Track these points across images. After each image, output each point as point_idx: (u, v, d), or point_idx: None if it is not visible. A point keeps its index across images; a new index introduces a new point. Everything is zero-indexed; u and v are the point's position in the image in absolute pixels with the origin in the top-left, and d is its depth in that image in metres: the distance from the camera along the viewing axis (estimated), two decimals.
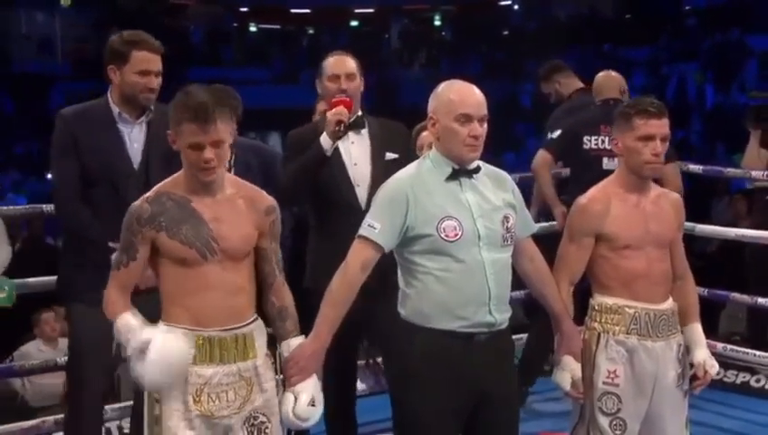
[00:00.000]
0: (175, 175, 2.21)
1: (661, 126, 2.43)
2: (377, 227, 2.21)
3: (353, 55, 2.96)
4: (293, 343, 2.22)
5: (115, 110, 2.70)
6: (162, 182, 2.21)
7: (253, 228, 2.18)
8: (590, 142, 3.89)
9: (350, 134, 2.84)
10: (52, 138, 2.71)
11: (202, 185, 2.14)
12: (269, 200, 2.23)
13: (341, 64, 2.88)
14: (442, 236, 2.20)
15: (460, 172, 2.27)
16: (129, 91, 2.68)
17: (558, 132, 4.04)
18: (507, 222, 2.28)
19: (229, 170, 3.01)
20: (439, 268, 2.21)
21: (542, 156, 3.95)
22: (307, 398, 2.16)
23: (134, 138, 2.71)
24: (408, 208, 2.21)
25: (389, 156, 2.81)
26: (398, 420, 2.33)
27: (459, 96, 2.25)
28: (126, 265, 2.16)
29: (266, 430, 2.16)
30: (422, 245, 2.22)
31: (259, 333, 2.20)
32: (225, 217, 2.14)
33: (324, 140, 2.79)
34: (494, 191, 2.29)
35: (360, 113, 2.88)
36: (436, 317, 2.22)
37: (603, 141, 3.85)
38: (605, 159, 3.84)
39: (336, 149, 2.83)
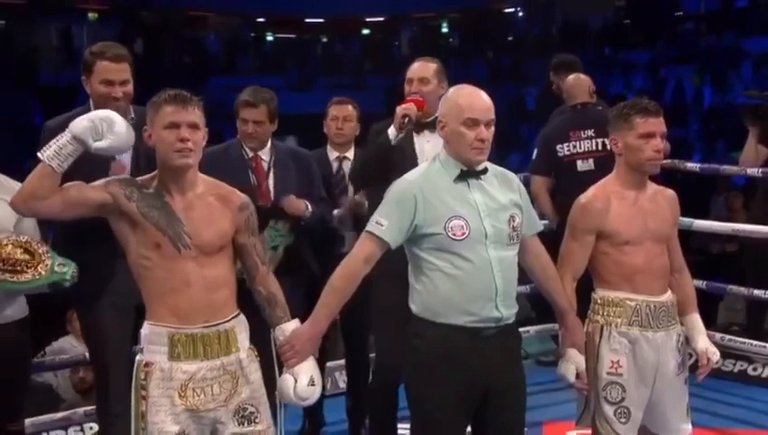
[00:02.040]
0: (147, 175, 2.17)
1: (660, 124, 2.43)
2: (383, 225, 2.22)
3: (434, 61, 3.04)
4: (287, 327, 2.21)
5: None
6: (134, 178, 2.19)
7: (228, 224, 2.16)
8: (563, 150, 3.92)
9: (426, 133, 2.93)
10: (39, 147, 2.72)
11: (175, 180, 2.10)
12: (241, 197, 2.21)
13: (418, 70, 2.99)
14: (449, 234, 2.20)
15: (468, 173, 2.27)
16: (97, 101, 2.67)
17: (535, 152, 4.06)
18: (513, 221, 2.27)
19: (268, 171, 3.08)
20: (447, 266, 2.21)
21: (536, 181, 3.98)
22: (306, 378, 2.16)
23: None
24: (416, 208, 2.22)
25: None
26: (412, 411, 2.34)
27: (467, 101, 2.26)
28: (78, 184, 2.10)
29: (256, 419, 2.15)
30: (430, 243, 2.23)
31: (241, 327, 2.18)
32: (197, 213, 2.11)
33: (391, 130, 2.90)
34: (501, 191, 2.29)
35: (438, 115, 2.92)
36: (444, 313, 2.22)
37: (574, 146, 3.89)
38: (579, 162, 3.87)
39: (411, 145, 2.93)
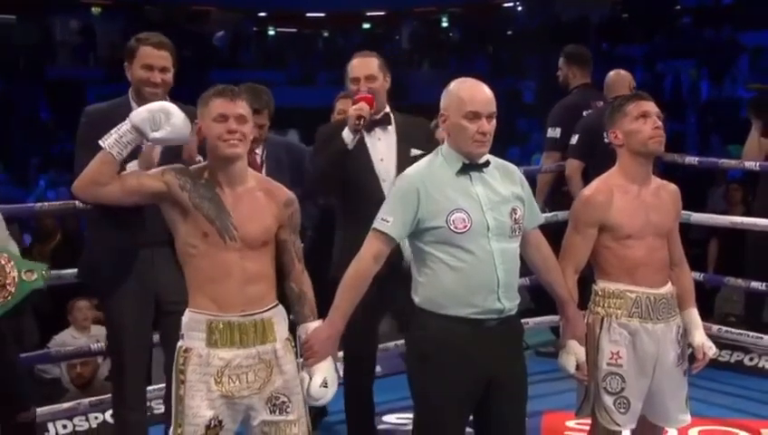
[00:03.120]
0: (199, 165, 2.21)
1: (653, 105, 2.43)
2: (389, 221, 2.21)
3: (374, 55, 2.93)
4: (311, 326, 2.23)
5: (134, 106, 2.68)
6: (184, 167, 2.23)
7: (272, 220, 2.18)
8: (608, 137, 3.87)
9: (377, 130, 2.85)
10: (77, 133, 2.72)
11: (225, 172, 2.14)
12: (288, 193, 2.24)
13: (361, 67, 2.87)
14: (451, 227, 2.19)
15: (470, 166, 2.25)
16: (137, 86, 2.68)
17: (576, 137, 4.05)
18: (515, 214, 2.26)
19: (261, 165, 3.04)
20: (450, 258, 2.20)
21: (572, 164, 4.02)
22: (320, 379, 2.17)
23: None
24: (420, 202, 2.21)
25: (414, 152, 2.78)
26: (414, 402, 2.33)
27: (468, 94, 2.24)
28: (136, 172, 2.20)
29: (287, 409, 2.17)
30: (433, 236, 2.22)
31: (279, 318, 2.20)
32: (245, 207, 2.15)
33: (346, 133, 2.79)
34: (503, 184, 2.28)
35: (387, 110, 2.87)
36: (447, 304, 2.22)
37: None
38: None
39: (363, 145, 2.83)
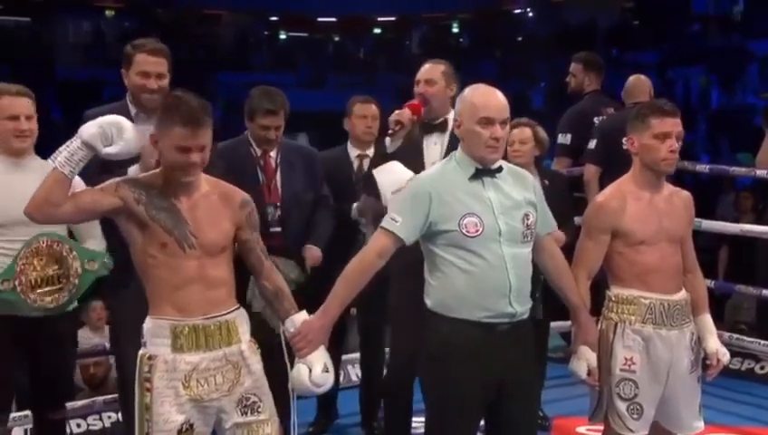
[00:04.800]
0: (150, 173, 2.17)
1: (676, 124, 2.41)
2: (398, 221, 2.22)
3: (443, 63, 2.97)
4: (297, 319, 2.21)
5: (132, 110, 2.73)
6: (137, 176, 2.20)
7: (229, 223, 2.16)
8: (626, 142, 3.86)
9: (434, 135, 2.87)
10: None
11: (180, 184, 2.11)
12: (242, 194, 2.21)
13: (425, 71, 2.93)
14: (463, 231, 2.20)
15: (483, 172, 2.26)
16: (134, 92, 2.71)
17: (594, 142, 4.04)
18: (528, 219, 2.27)
19: (276, 168, 3.06)
20: (461, 262, 2.21)
21: (590, 169, 4.00)
22: (320, 366, 2.16)
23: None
24: (431, 205, 2.21)
25: None
26: (426, 404, 2.33)
27: (481, 100, 2.25)
28: (89, 190, 2.13)
29: (258, 409, 2.15)
30: (445, 240, 2.22)
31: (242, 320, 2.18)
32: (202, 214, 2.13)
33: (388, 140, 2.82)
34: (515, 189, 2.28)
35: (448, 116, 2.87)
36: (458, 308, 2.22)
37: None
38: None
39: (419, 148, 2.86)
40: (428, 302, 2.27)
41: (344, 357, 3.83)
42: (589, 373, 2.39)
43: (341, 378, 3.85)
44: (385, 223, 2.24)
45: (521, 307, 2.25)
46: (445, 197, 2.22)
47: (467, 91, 2.30)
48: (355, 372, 3.95)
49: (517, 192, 2.27)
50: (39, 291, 2.54)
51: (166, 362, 2.09)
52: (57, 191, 2.03)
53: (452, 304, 2.22)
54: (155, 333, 2.11)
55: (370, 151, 3.41)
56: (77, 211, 2.08)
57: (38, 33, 17.22)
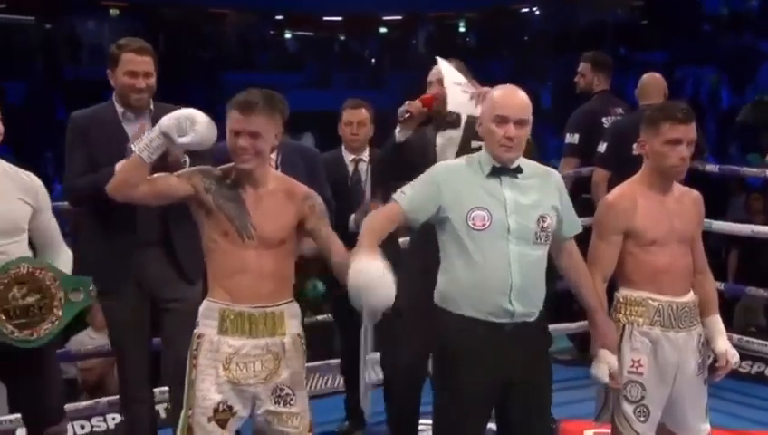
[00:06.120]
0: (225, 166, 2.30)
1: (688, 131, 2.40)
2: (405, 193, 2.28)
3: (456, 62, 2.99)
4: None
5: (119, 109, 2.76)
6: (212, 167, 2.32)
7: (292, 217, 2.27)
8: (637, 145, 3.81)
9: (447, 132, 2.88)
10: (66, 138, 2.76)
11: (247, 177, 2.25)
12: (305, 189, 2.34)
13: (436, 71, 2.95)
14: (470, 223, 2.22)
15: (501, 170, 2.28)
16: (121, 92, 2.73)
17: (604, 146, 4.01)
18: (543, 221, 2.27)
19: (276, 169, 3.07)
20: (465, 255, 2.23)
21: (599, 173, 3.96)
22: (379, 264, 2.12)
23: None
24: (442, 192, 2.25)
25: (475, 144, 2.76)
26: (434, 401, 2.35)
27: (499, 99, 2.28)
28: (166, 175, 2.27)
29: (291, 402, 2.24)
30: (453, 230, 2.25)
31: (291, 313, 2.27)
32: (265, 208, 2.25)
33: (397, 129, 2.87)
34: (536, 190, 2.29)
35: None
36: (461, 302, 2.24)
37: None
38: None
39: (432, 143, 2.88)
40: (436, 296, 2.30)
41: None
42: (611, 376, 2.38)
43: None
44: (395, 194, 2.30)
45: (522, 307, 2.24)
46: (458, 186, 2.25)
47: (491, 90, 2.34)
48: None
49: (538, 193, 2.28)
50: (16, 322, 2.34)
51: (211, 343, 2.22)
52: (135, 174, 2.22)
53: (455, 297, 2.25)
54: (206, 314, 2.25)
55: (364, 155, 3.45)
56: (153, 194, 2.25)
57: (43, 32, 17.26)
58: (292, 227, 2.28)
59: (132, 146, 2.26)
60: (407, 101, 2.85)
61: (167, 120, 2.23)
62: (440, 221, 2.27)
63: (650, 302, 2.41)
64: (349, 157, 3.46)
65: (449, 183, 2.25)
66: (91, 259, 2.73)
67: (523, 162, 2.31)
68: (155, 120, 2.38)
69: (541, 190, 2.29)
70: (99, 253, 2.71)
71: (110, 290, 2.71)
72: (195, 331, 2.26)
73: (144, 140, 2.24)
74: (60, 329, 2.44)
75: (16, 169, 2.54)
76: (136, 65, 2.70)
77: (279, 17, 20.10)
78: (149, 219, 2.68)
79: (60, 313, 2.41)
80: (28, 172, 2.57)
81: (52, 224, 2.59)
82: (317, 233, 2.31)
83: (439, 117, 2.88)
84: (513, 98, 2.27)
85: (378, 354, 3.71)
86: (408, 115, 2.82)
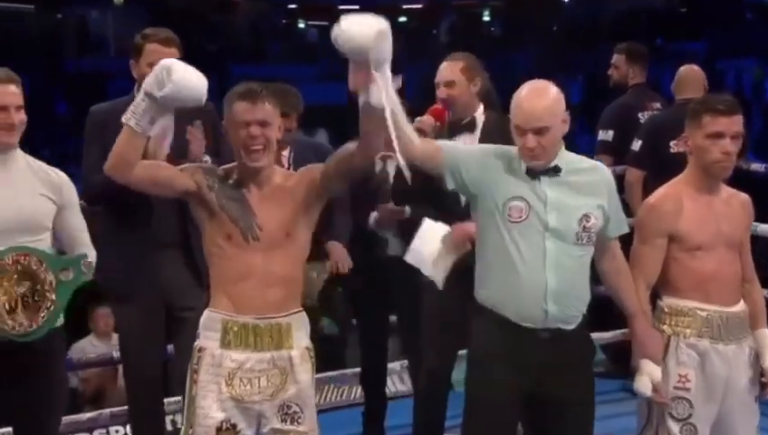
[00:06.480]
0: (229, 165, 2.26)
1: (731, 124, 2.36)
2: (450, 143, 2.35)
3: (462, 57, 2.96)
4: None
5: None
6: (216, 166, 2.31)
7: (299, 202, 2.22)
8: (677, 146, 3.76)
9: (463, 136, 2.87)
10: (85, 132, 2.78)
11: (252, 175, 2.19)
12: (308, 166, 2.30)
13: (442, 72, 2.92)
14: (506, 213, 2.21)
15: (537, 171, 2.25)
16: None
17: (639, 144, 3.95)
18: (587, 220, 2.24)
19: (288, 168, 3.06)
20: (501, 246, 2.22)
21: (633, 173, 3.90)
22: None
23: None
24: (487, 166, 2.25)
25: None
26: (465, 398, 2.35)
27: (517, 105, 2.24)
28: (169, 166, 2.26)
29: (299, 420, 2.19)
30: (489, 219, 2.24)
31: (299, 325, 2.22)
32: (271, 206, 2.20)
33: None
34: (582, 188, 2.26)
35: (475, 114, 2.90)
36: (495, 301, 2.24)
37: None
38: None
39: None
40: (476, 294, 2.30)
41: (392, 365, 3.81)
42: (654, 389, 2.35)
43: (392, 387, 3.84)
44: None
45: (559, 311, 2.22)
46: (501, 174, 2.24)
47: (521, 88, 2.28)
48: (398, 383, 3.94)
49: (582, 191, 2.26)
50: (14, 315, 2.30)
51: (213, 357, 2.16)
52: (128, 148, 2.12)
53: (492, 296, 2.25)
54: (207, 326, 2.19)
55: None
56: (150, 179, 2.19)
57: (43, 22, 17.39)
58: (300, 213, 2.21)
59: (122, 118, 2.16)
60: (417, 118, 2.81)
61: (147, 79, 2.12)
62: (476, 204, 2.27)
63: (698, 312, 2.37)
64: None
65: (496, 166, 2.24)
66: (108, 262, 2.70)
67: (568, 157, 2.28)
68: (176, 116, 2.34)
69: (586, 187, 2.26)
70: (113, 255, 2.70)
71: (126, 295, 2.73)
72: (195, 343, 2.20)
73: (130, 109, 2.13)
74: (57, 314, 2.38)
75: (40, 163, 2.49)
76: (160, 56, 2.62)
77: (292, 6, 20.15)
78: (167, 220, 2.67)
79: (53, 296, 2.35)
80: (54, 168, 2.53)
81: (77, 223, 2.52)
82: (329, 170, 2.22)
83: (453, 121, 2.87)
84: (529, 105, 2.21)
85: (396, 364, 3.71)
86: (421, 136, 2.79)
